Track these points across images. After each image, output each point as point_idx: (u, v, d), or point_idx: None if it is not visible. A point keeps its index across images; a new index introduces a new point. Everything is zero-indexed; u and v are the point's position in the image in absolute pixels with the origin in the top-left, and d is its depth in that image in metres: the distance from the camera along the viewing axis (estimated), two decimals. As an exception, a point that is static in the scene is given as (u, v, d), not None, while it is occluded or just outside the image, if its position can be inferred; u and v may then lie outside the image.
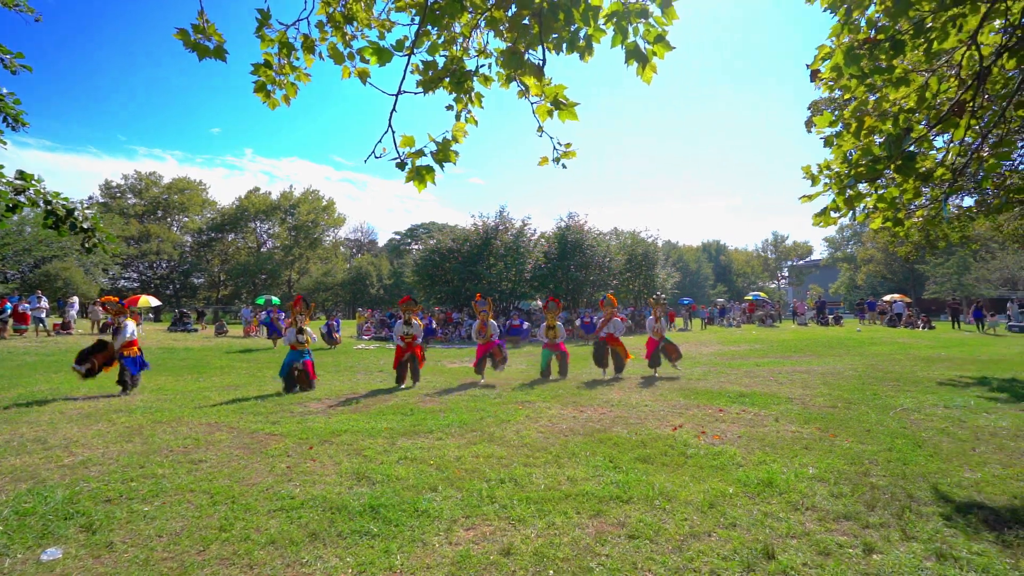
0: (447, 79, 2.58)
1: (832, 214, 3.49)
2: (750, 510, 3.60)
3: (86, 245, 3.60)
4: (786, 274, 68.32)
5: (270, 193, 55.31)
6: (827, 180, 4.65)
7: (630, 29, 2.20)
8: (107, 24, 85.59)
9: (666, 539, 3.20)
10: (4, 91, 3.86)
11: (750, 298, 32.80)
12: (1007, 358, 12.39)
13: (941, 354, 13.41)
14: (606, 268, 25.37)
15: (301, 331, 8.82)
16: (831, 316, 28.10)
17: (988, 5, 2.50)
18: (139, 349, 8.85)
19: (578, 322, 22.00)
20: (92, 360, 8.27)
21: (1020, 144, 7.61)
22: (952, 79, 3.03)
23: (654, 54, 2.24)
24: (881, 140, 2.85)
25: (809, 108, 11.74)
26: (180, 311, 25.81)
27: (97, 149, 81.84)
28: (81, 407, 7.36)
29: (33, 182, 3.20)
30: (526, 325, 21.14)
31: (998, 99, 3.03)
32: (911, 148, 2.65)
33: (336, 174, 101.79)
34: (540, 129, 2.57)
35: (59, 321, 19.78)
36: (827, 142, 3.34)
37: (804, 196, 3.55)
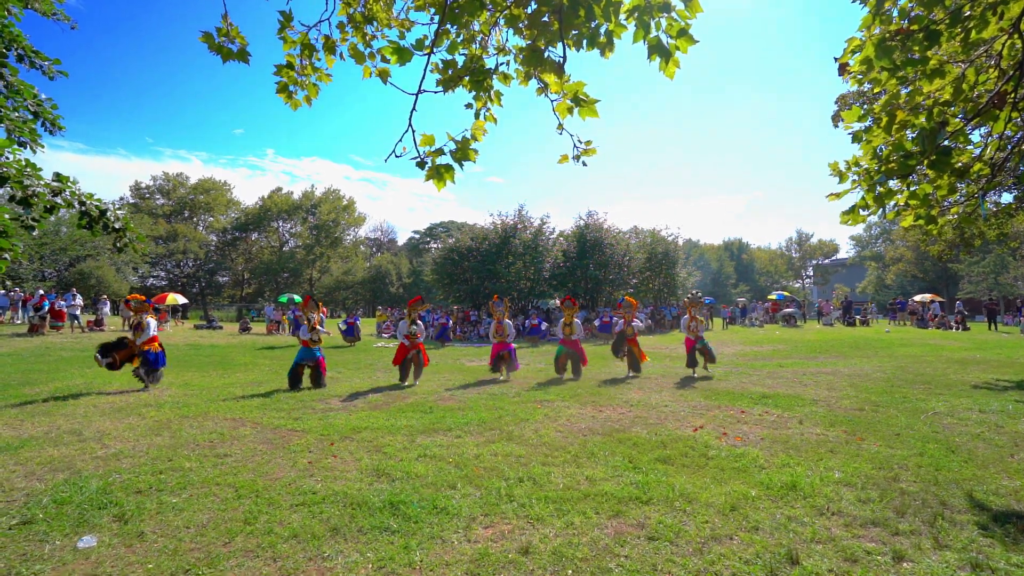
0: (466, 78, 2.58)
1: (861, 212, 3.38)
2: (773, 514, 3.53)
3: (117, 244, 3.72)
4: (811, 273, 66.76)
5: (292, 193, 56.34)
6: (855, 177, 4.53)
7: (652, 24, 2.16)
8: (133, 28, 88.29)
9: (686, 541, 3.15)
10: (43, 97, 3.99)
11: (773, 297, 32.15)
12: (1046, 361, 11.89)
13: (976, 356, 12.95)
14: (626, 267, 25.14)
15: (314, 329, 8.96)
16: (858, 316, 27.36)
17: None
18: (160, 345, 9.08)
19: (597, 322, 21.88)
20: (113, 355, 8.55)
21: None
22: (991, 70, 2.91)
23: (677, 48, 2.20)
24: (914, 135, 2.75)
25: (836, 102, 11.44)
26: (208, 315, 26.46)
27: (126, 151, 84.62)
28: (113, 401, 7.60)
29: (69, 184, 3.31)
30: (544, 325, 21.10)
31: None
32: (946, 143, 2.54)
33: (356, 173, 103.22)
34: (560, 127, 2.55)
35: (92, 318, 20.45)
36: (855, 137, 3.23)
37: (832, 194, 3.45)
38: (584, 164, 2.66)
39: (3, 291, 21.59)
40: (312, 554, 3.05)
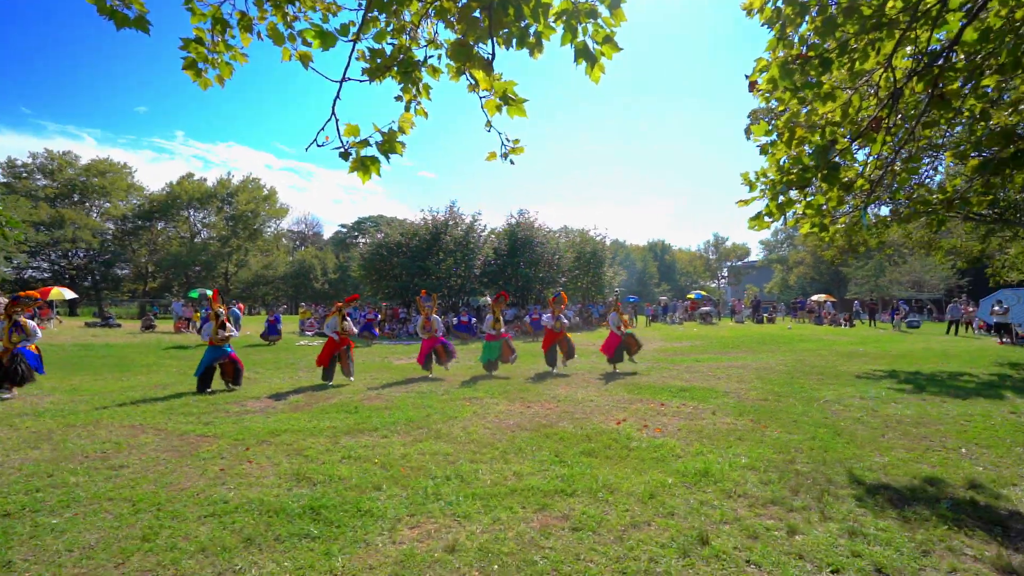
0: (394, 68, 2.51)
1: (766, 219, 3.70)
2: (687, 499, 3.76)
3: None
4: (725, 274, 71.89)
5: (205, 180, 52.19)
6: (763, 187, 4.92)
7: (579, 28, 2.22)
8: (16, -13, 77.37)
9: (608, 530, 3.28)
10: None
11: (692, 296, 34.28)
12: (912, 353, 13.60)
13: (859, 350, 14.55)
14: (555, 265, 25.72)
15: (223, 326, 8.36)
16: (765, 314, 29.84)
17: (901, 32, 2.73)
18: (36, 347, 8.11)
19: (527, 319, 22.21)
20: None
21: (926, 160, 8.38)
22: (872, 97, 3.29)
23: (602, 54, 2.28)
24: (810, 151, 3.06)
25: (748, 116, 12.39)
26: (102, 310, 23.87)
27: (-5, 122, 73.70)
28: (-19, 410, 6.66)
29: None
30: (475, 321, 21.11)
31: (908, 118, 3.31)
32: (836, 159, 2.85)
33: (278, 162, 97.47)
34: (488, 124, 2.55)
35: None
36: (762, 150, 3.53)
37: (741, 200, 3.74)
38: (512, 162, 2.68)
39: None
40: (222, 568, 2.85)
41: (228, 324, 8.46)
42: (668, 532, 3.23)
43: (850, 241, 13.20)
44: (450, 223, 24.86)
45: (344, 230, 67.49)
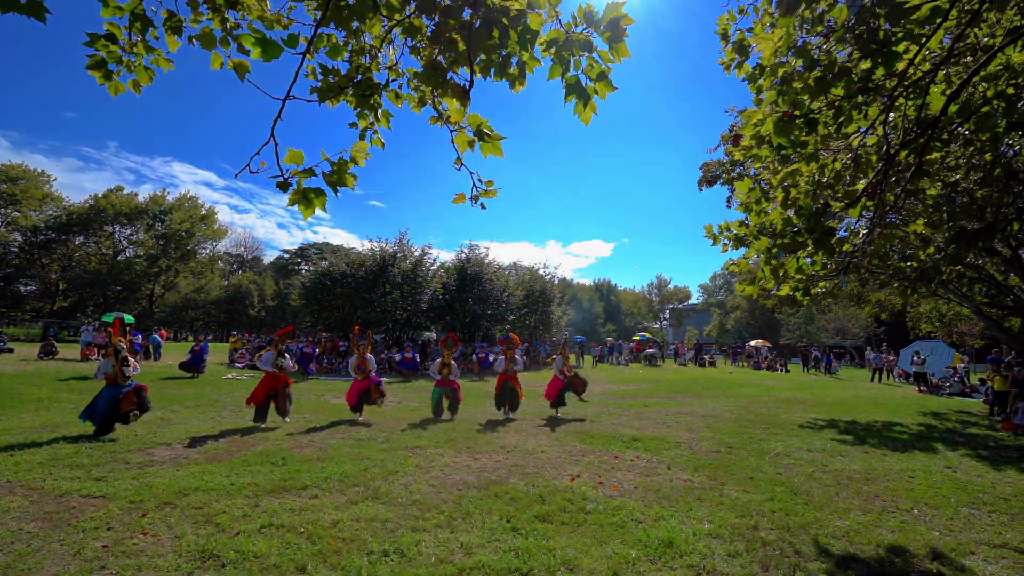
0: (349, 91, 2.17)
1: (761, 283, 3.56)
2: (654, 578, 3.41)
3: None
4: (667, 316, 74.39)
5: (137, 194, 48.71)
6: (726, 241, 4.87)
7: (572, 62, 1.99)
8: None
9: (571, 624, 2.86)
10: None
11: (637, 338, 34.95)
12: (845, 401, 14.20)
13: (797, 396, 15.04)
14: (504, 303, 25.46)
15: (125, 362, 7.34)
16: (707, 356, 30.75)
17: (887, 98, 2.75)
18: None
19: (474, 357, 21.65)
20: None
21: (900, 229, 8.87)
22: (849, 162, 3.31)
23: (595, 92, 2.05)
24: (793, 212, 2.99)
25: (700, 169, 12.91)
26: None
27: None
28: None
29: None
30: (418, 358, 20.32)
31: (890, 187, 3.35)
32: (829, 224, 2.79)
33: (221, 181, 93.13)
34: (459, 162, 2.24)
35: None
36: (746, 208, 3.44)
37: (731, 263, 3.62)
38: (483, 207, 2.37)
39: None
40: None
41: (132, 360, 7.43)
42: (639, 626, 2.85)
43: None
44: (398, 255, 24.17)
45: (287, 256, 64.78)
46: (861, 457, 7.18)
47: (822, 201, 2.94)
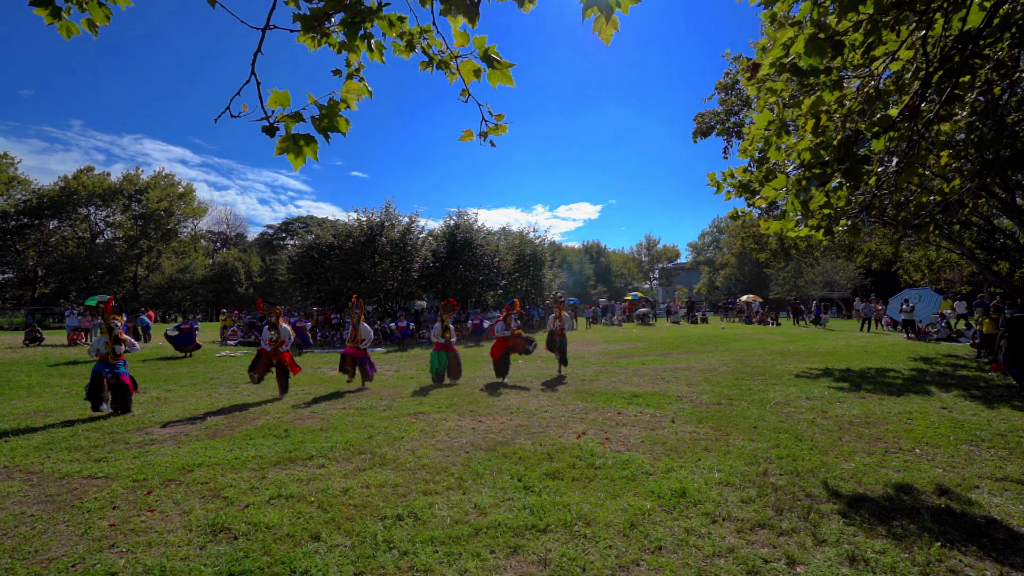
0: (338, 16, 1.93)
1: (792, 218, 3.37)
2: (671, 528, 3.42)
3: None
4: (657, 275, 74.82)
5: (109, 174, 47.09)
6: (730, 188, 4.71)
7: (591, -31, 1.78)
8: None
9: (594, 575, 2.85)
10: None
11: (630, 298, 35.11)
12: (837, 350, 14.43)
13: (790, 348, 15.25)
14: (495, 268, 25.28)
15: (118, 340, 7.18)
16: (699, 314, 31.06)
17: (919, 15, 2.55)
18: None
19: (468, 323, 21.63)
20: None
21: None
22: (889, 83, 3.11)
23: (618, 5, 1.85)
24: (818, 143, 2.82)
25: (695, 120, 12.58)
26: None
27: None
28: None
29: None
30: (412, 326, 20.24)
31: (920, 113, 3.16)
32: (861, 153, 2.64)
33: (196, 158, 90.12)
34: (465, 92, 2.04)
35: None
36: (767, 143, 3.26)
37: (759, 199, 3.44)
38: (492, 144, 2.18)
39: None
40: None
41: (126, 338, 7.27)
42: (662, 574, 2.85)
43: (783, 244, 13.79)
44: (386, 224, 23.71)
45: (271, 231, 63.62)
46: (859, 402, 7.28)
47: (852, 128, 2.78)
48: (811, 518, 3.51)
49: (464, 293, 25.00)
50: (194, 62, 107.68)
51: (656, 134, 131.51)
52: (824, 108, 2.83)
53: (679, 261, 74.03)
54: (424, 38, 2.52)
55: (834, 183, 2.91)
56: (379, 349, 17.69)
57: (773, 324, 26.56)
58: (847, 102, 3.00)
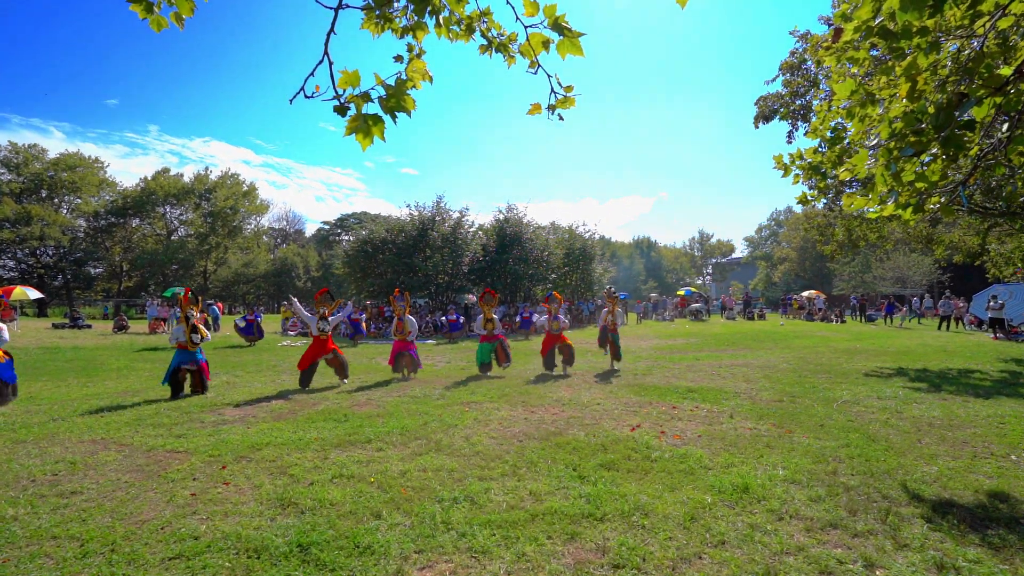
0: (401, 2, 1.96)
1: (884, 195, 3.10)
2: (734, 522, 3.28)
3: None
4: (711, 271, 72.31)
5: (182, 175, 50.55)
6: (798, 171, 4.46)
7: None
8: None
9: (655, 566, 2.79)
10: None
11: (682, 293, 34.13)
12: (912, 349, 13.42)
13: (857, 346, 14.34)
14: (544, 262, 25.20)
15: (194, 329, 7.70)
16: (755, 311, 29.78)
17: None
18: (6, 354, 7.32)
19: (517, 317, 21.69)
20: None
21: None
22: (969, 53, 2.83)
23: None
24: (911, 109, 2.58)
25: (756, 104, 11.99)
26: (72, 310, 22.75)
27: (-50, 114, 70.62)
28: (-80, 423, 5.92)
29: None
30: (462, 320, 20.53)
31: None
32: (966, 118, 2.38)
33: (257, 158, 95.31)
34: (534, 65, 2.02)
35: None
36: (848, 113, 3.03)
37: (804, 196, 3.25)
38: (561, 118, 2.15)
39: None
40: (187, 631, 2.28)
41: (201, 327, 7.79)
42: (727, 569, 2.74)
43: (850, 236, 12.95)
44: (437, 219, 24.16)
45: (327, 227, 66.25)
46: (940, 404, 6.74)
47: (953, 92, 2.52)
48: (890, 520, 3.28)
49: (513, 287, 25.12)
50: (254, 67, 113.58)
51: (711, 123, 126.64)
52: (917, 72, 2.57)
53: (734, 256, 71.16)
54: (483, 21, 2.53)
55: (927, 157, 2.65)
56: (429, 341, 18.08)
57: (837, 321, 25.06)
58: (941, 70, 2.71)
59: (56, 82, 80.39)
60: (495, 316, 10.01)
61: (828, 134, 3.75)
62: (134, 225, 49.33)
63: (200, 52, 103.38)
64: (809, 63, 10.98)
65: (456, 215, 24.99)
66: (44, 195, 44.44)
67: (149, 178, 48.61)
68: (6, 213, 39.14)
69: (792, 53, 11.58)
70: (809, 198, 3.65)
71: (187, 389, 7.77)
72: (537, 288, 26.09)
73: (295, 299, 9.75)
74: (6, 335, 7.29)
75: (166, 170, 50.47)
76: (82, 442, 5.17)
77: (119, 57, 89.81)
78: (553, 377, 9.45)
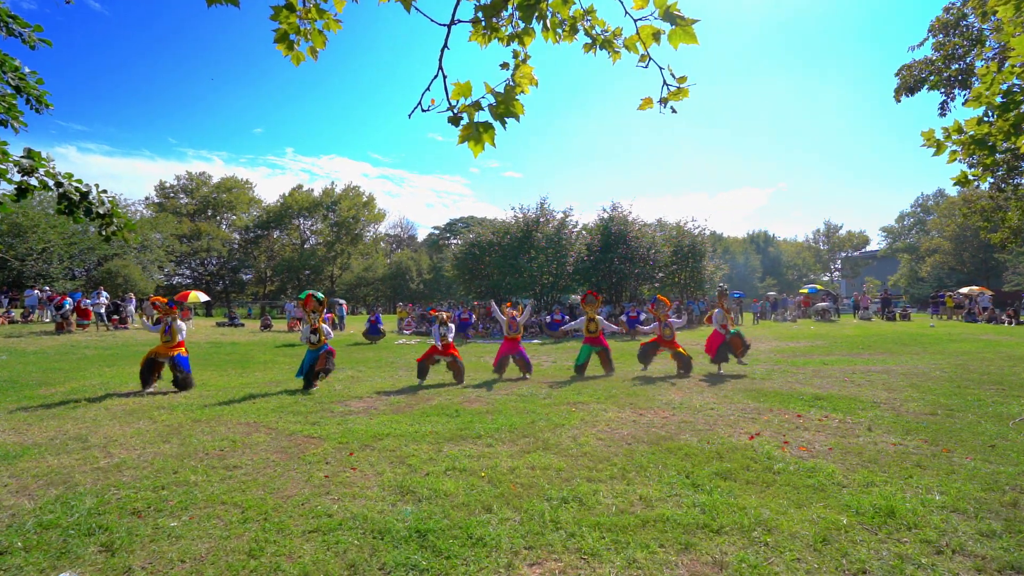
0: (509, 11, 2.03)
1: None
2: (877, 550, 2.92)
3: (103, 232, 3.27)
4: (839, 266, 64.59)
5: (312, 191, 56.59)
6: (955, 147, 3.86)
7: None
8: (150, 28, 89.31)
9: (781, 588, 2.57)
10: (27, 70, 3.56)
11: (805, 291, 30.91)
12: (1123, 357, 10.85)
13: (1040, 352, 11.93)
14: (651, 261, 24.29)
15: (315, 331, 8.58)
16: (897, 310, 26.06)
17: None
18: (184, 348, 8.77)
19: (623, 317, 21.16)
20: (150, 377, 8.40)
21: None
22: None
23: None
24: None
25: (898, 75, 10.49)
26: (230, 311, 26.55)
27: (151, 152, 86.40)
28: (126, 403, 7.29)
29: (43, 162, 2.86)
30: (567, 319, 20.49)
31: None
32: None
33: (374, 170, 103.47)
34: (644, 59, 1.98)
35: (117, 316, 20.53)
36: (1010, 48, 2.52)
37: (964, 176, 2.77)
38: (673, 110, 2.09)
39: (35, 290, 21.83)
40: (327, 597, 2.56)
41: (322, 327, 8.67)
42: (869, 600, 2.45)
43: (1028, 220, 10.81)
44: (541, 220, 24.42)
45: (437, 232, 69.95)
46: None
47: None
48: (1093, 566, 2.69)
49: (619, 286, 24.58)
50: (368, 89, 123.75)
51: (837, 103, 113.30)
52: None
53: (868, 249, 62.77)
54: (587, 19, 2.52)
55: None
56: (535, 341, 18.33)
57: (1010, 323, 21.01)
58: None
59: (217, 117, 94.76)
60: (598, 316, 9.90)
61: (998, 99, 3.16)
62: (275, 236, 56.26)
63: (321, 78, 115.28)
64: (971, 18, 9.29)
65: (560, 216, 25.07)
66: (210, 214, 52.47)
67: (286, 194, 55.12)
68: (184, 231, 46.82)
69: (946, 9, 9.85)
70: (971, 177, 3.12)
71: (316, 384, 8.65)
72: (644, 287, 25.22)
73: (492, 301, 10.17)
74: (184, 332, 8.71)
75: (300, 186, 56.89)
76: (240, 424, 6.02)
77: (264, 90, 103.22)
78: (662, 378, 9.09)
